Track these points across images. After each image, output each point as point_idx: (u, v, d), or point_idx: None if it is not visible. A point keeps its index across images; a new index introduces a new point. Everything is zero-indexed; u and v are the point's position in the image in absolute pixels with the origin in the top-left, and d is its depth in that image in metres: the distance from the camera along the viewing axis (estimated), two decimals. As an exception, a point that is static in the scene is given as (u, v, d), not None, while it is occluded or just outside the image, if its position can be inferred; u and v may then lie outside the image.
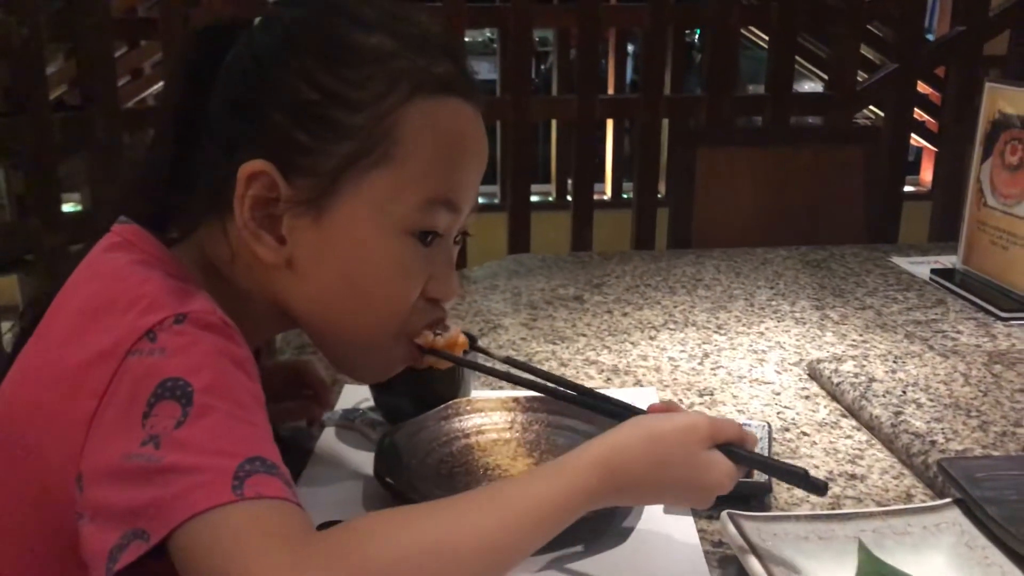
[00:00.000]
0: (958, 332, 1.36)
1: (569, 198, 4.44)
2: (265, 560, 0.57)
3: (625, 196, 4.63)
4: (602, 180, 4.77)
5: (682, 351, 1.30)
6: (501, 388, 1.16)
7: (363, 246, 0.75)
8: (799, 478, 0.80)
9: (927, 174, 4.70)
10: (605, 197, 4.71)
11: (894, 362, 1.19)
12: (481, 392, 1.13)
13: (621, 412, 0.85)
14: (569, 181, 4.57)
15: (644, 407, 0.84)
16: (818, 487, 0.80)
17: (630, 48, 4.98)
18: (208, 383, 0.63)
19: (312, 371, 1.05)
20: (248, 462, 0.60)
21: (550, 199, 4.67)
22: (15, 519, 0.69)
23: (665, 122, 3.26)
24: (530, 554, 0.70)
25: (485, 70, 6.03)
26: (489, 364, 0.96)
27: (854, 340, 1.33)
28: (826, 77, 3.81)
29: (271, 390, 1.01)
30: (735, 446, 0.79)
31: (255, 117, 0.73)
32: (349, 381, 1.16)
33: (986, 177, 1.54)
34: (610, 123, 4.65)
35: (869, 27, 3.63)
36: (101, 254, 0.75)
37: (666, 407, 0.83)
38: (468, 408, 1.03)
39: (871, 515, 0.83)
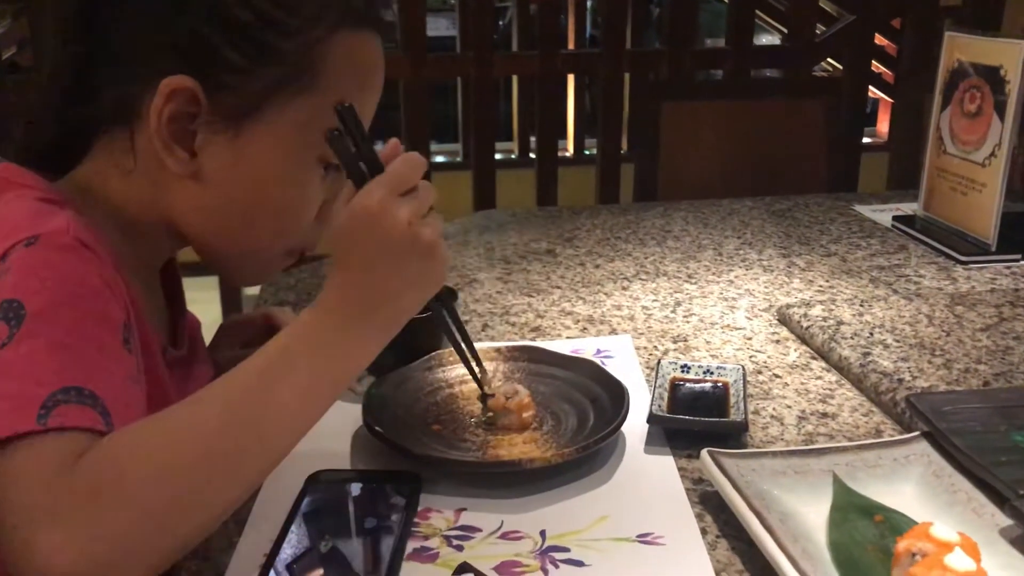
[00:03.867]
0: (920, 276, 1.40)
1: (532, 155, 4.47)
2: (24, 499, 0.57)
3: (587, 152, 4.65)
4: (564, 137, 4.78)
5: (655, 300, 1.33)
6: (480, 340, 1.18)
7: (275, 168, 0.78)
8: None
9: (883, 125, 4.76)
10: (567, 154, 4.71)
11: (860, 306, 1.23)
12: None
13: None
14: (532, 138, 4.58)
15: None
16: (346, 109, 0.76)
17: (588, 3, 4.96)
18: (42, 306, 0.64)
19: (285, 320, 1.06)
20: (62, 392, 0.61)
21: (512, 156, 4.67)
22: None
23: (626, 77, 3.27)
24: (306, 420, 0.70)
25: (443, 27, 5.98)
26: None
27: (821, 286, 1.37)
28: (784, 30, 3.84)
29: (247, 339, 1.03)
30: None
31: (183, 31, 0.74)
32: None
33: (945, 125, 1.58)
34: (571, 79, 4.65)
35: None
36: None
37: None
38: (451, 359, 1.05)
39: (844, 449, 0.87)
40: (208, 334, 1.06)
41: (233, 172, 0.77)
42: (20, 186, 0.75)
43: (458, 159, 4.63)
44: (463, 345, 0.92)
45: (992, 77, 1.46)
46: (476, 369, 0.94)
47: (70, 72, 0.79)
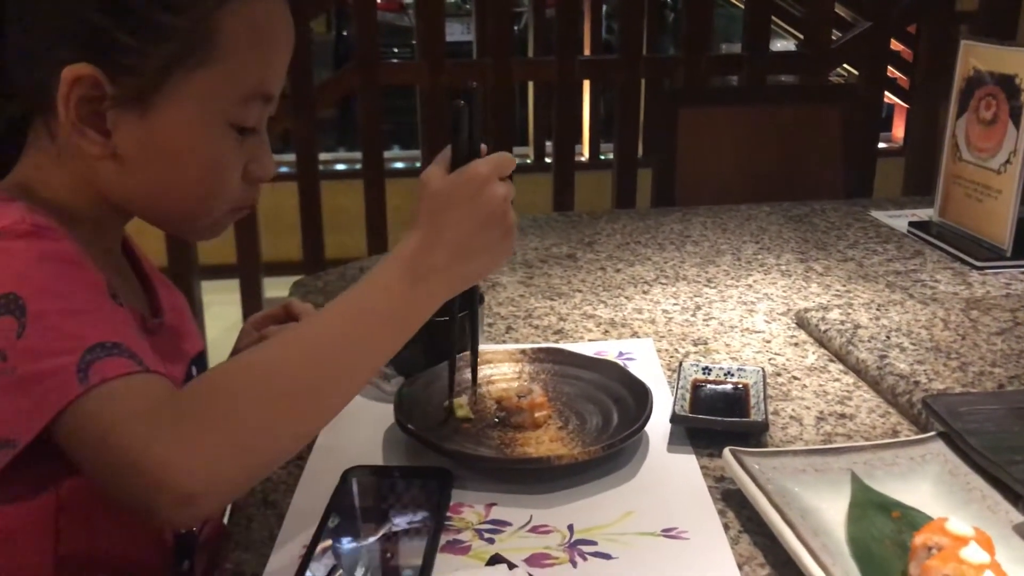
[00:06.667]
0: (936, 281, 1.43)
1: (547, 160, 4.49)
2: (131, 432, 0.65)
3: (603, 157, 4.67)
4: (580, 141, 4.80)
5: (675, 304, 1.36)
6: (504, 342, 1.21)
7: (187, 139, 0.80)
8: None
9: (899, 130, 4.77)
10: (583, 159, 4.74)
11: (877, 310, 1.26)
12: (487, 345, 1.18)
13: None
14: (547, 143, 4.61)
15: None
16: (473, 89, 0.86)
17: (604, 7, 4.99)
18: (35, 288, 0.69)
19: (304, 310, 1.08)
20: (88, 352, 0.67)
21: (528, 161, 4.70)
22: None
23: (642, 82, 3.30)
24: (377, 358, 0.78)
25: (458, 32, 6.01)
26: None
27: (838, 290, 1.40)
28: (800, 36, 3.86)
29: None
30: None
31: (78, 19, 0.76)
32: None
33: (961, 132, 1.60)
34: (587, 85, 4.67)
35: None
36: None
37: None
38: (478, 361, 1.08)
39: (862, 449, 0.90)
40: (229, 336, 1.09)
41: (148, 148, 0.79)
42: None
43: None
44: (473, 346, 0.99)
45: (1007, 85, 1.48)
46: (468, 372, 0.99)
47: None
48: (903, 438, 0.95)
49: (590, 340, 1.23)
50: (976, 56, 1.56)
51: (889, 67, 3.83)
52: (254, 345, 1.01)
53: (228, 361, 0.75)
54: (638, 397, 0.98)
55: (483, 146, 0.83)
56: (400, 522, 0.83)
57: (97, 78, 0.75)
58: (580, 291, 1.41)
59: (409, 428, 0.92)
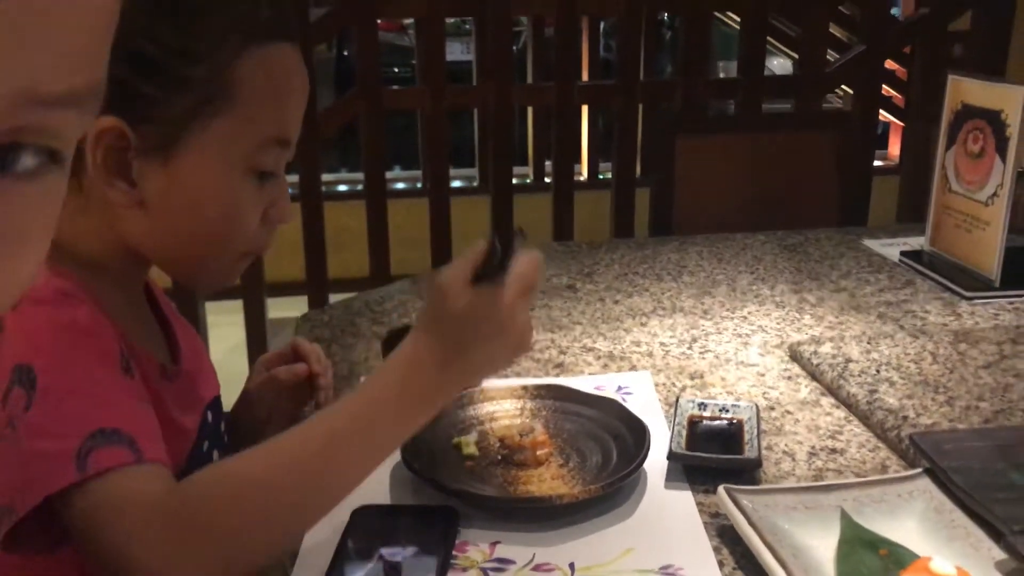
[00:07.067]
0: (926, 312, 1.46)
1: (547, 180, 4.53)
2: (122, 531, 0.69)
3: (601, 177, 4.72)
4: (578, 161, 4.85)
5: (672, 336, 1.39)
6: (506, 375, 1.25)
7: (208, 186, 0.83)
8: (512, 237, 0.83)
9: (895, 148, 4.82)
10: (581, 178, 4.78)
11: (868, 343, 1.30)
12: (489, 381, 1.21)
13: None
14: (547, 163, 4.66)
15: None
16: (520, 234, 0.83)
17: (601, 25, 5.03)
18: (47, 362, 0.72)
19: (311, 350, 1.10)
20: (89, 438, 0.70)
21: (527, 181, 4.74)
22: None
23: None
24: (378, 459, 0.80)
25: (458, 51, 6.07)
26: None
27: (831, 322, 1.44)
28: (795, 56, 3.91)
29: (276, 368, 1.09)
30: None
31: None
32: (368, 372, 1.24)
33: (950, 164, 1.64)
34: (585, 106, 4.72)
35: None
36: None
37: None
38: (480, 397, 1.12)
39: (851, 486, 0.93)
40: (233, 357, 1.12)
41: (170, 195, 0.82)
42: None
43: (474, 183, 4.70)
44: None
45: (994, 120, 1.52)
46: None
47: None
48: (891, 475, 0.99)
49: (590, 374, 1.27)
50: (964, 91, 1.61)
51: (884, 86, 3.89)
52: (258, 380, 1.06)
53: (223, 466, 0.77)
54: (636, 434, 1.02)
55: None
56: (408, 560, 0.86)
57: (122, 129, 0.78)
58: (580, 323, 1.45)
59: (415, 468, 0.96)
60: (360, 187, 3.06)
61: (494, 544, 0.89)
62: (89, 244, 0.84)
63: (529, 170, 4.82)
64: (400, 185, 4.74)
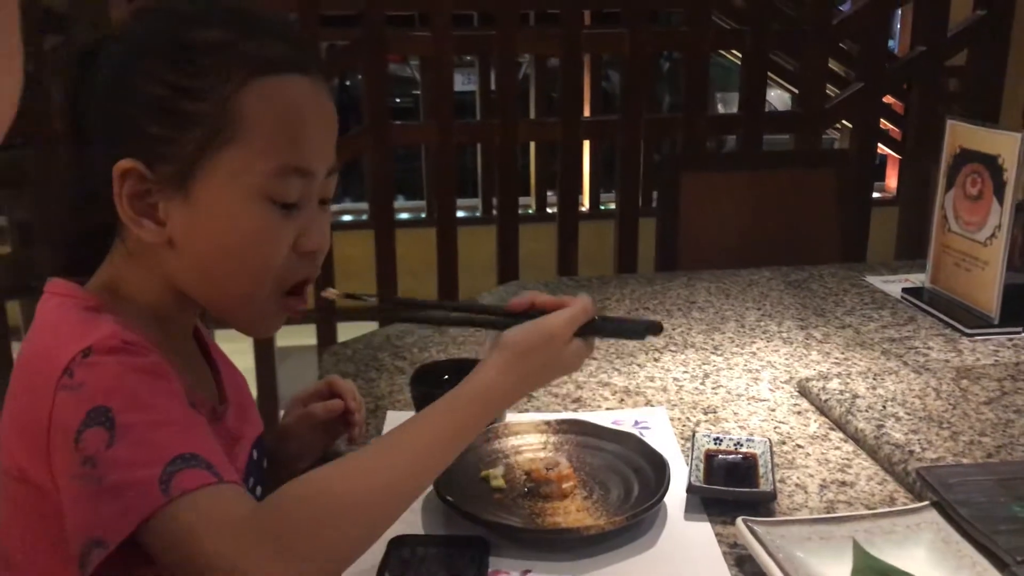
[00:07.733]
0: (928, 348, 1.52)
1: (549, 210, 4.60)
2: (218, 542, 0.73)
3: (603, 208, 4.78)
4: (580, 191, 4.91)
5: (684, 372, 1.45)
6: (526, 411, 1.30)
7: (227, 215, 0.86)
8: (643, 326, 0.97)
9: (892, 180, 4.90)
10: (584, 208, 4.85)
11: (874, 379, 1.35)
12: (513, 415, 1.26)
13: (492, 321, 0.99)
14: (549, 193, 4.73)
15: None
16: (656, 326, 0.96)
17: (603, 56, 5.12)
18: (123, 403, 0.77)
19: (345, 387, 1.16)
20: (170, 464, 0.74)
21: (530, 211, 4.81)
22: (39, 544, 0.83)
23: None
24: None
25: (459, 82, 6.15)
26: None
27: (837, 358, 1.49)
28: (794, 90, 3.99)
29: (313, 404, 1.14)
30: (588, 325, 0.93)
31: (119, 120, 0.85)
32: (392, 407, 1.30)
33: (950, 205, 1.70)
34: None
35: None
36: (39, 306, 0.88)
37: (530, 302, 0.95)
38: (506, 431, 1.17)
39: (862, 517, 0.98)
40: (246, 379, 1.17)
41: (195, 229, 0.85)
42: (62, 296, 0.87)
43: (477, 213, 4.76)
44: None
45: (991, 164, 1.59)
46: None
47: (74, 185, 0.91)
48: (900, 507, 1.04)
49: (607, 408, 1.32)
50: (962, 136, 1.67)
51: (882, 119, 3.97)
52: (294, 414, 1.11)
53: (305, 482, 0.80)
54: (656, 468, 1.07)
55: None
56: (444, 588, 0.91)
57: (139, 170, 0.83)
58: (595, 359, 1.50)
59: (449, 500, 1.01)
60: (364, 217, 3.11)
61: (525, 572, 0.94)
62: (142, 291, 0.89)
63: (531, 200, 4.89)
64: (404, 215, 4.80)
